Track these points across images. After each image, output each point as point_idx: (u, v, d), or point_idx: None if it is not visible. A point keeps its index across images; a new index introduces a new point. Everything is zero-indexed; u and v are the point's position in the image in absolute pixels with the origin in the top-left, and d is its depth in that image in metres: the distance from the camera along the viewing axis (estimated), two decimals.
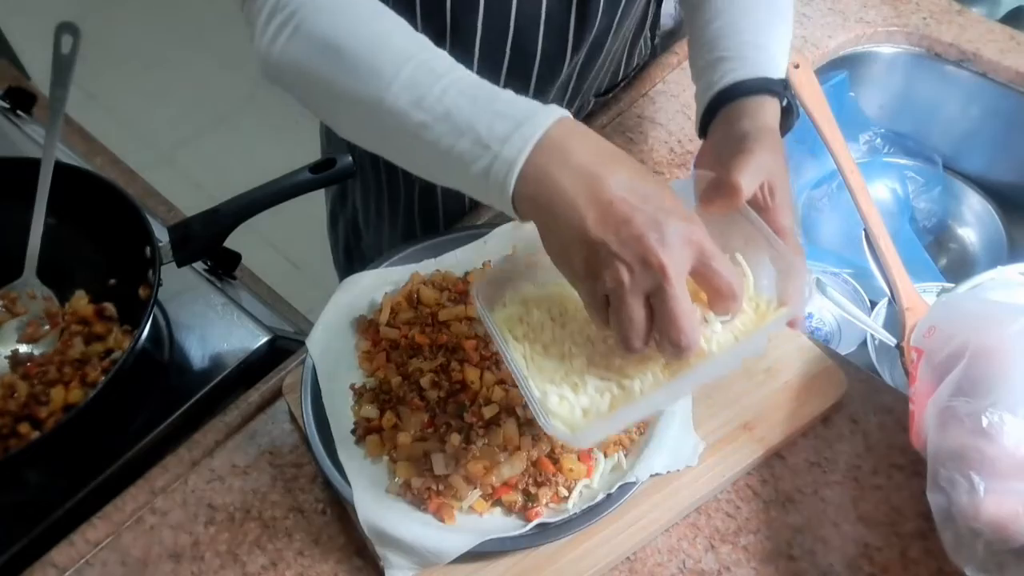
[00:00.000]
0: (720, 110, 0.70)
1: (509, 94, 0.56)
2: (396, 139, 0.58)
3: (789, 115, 0.72)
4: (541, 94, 0.87)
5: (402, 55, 0.57)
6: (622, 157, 0.54)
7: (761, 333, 0.60)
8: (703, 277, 0.55)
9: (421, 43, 0.60)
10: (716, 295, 0.56)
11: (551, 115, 0.54)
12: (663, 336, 0.54)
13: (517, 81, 0.85)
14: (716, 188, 0.62)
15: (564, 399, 0.59)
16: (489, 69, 0.82)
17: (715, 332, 0.59)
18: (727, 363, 0.60)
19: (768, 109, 0.68)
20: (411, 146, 0.57)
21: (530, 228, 0.58)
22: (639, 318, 0.53)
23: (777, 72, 0.70)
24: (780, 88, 0.70)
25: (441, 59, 0.58)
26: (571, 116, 0.55)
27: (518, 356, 0.61)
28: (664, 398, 0.64)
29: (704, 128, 0.72)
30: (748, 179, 0.62)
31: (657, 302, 0.53)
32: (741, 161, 0.62)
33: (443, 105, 0.55)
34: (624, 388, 0.60)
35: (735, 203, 0.62)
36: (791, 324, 0.62)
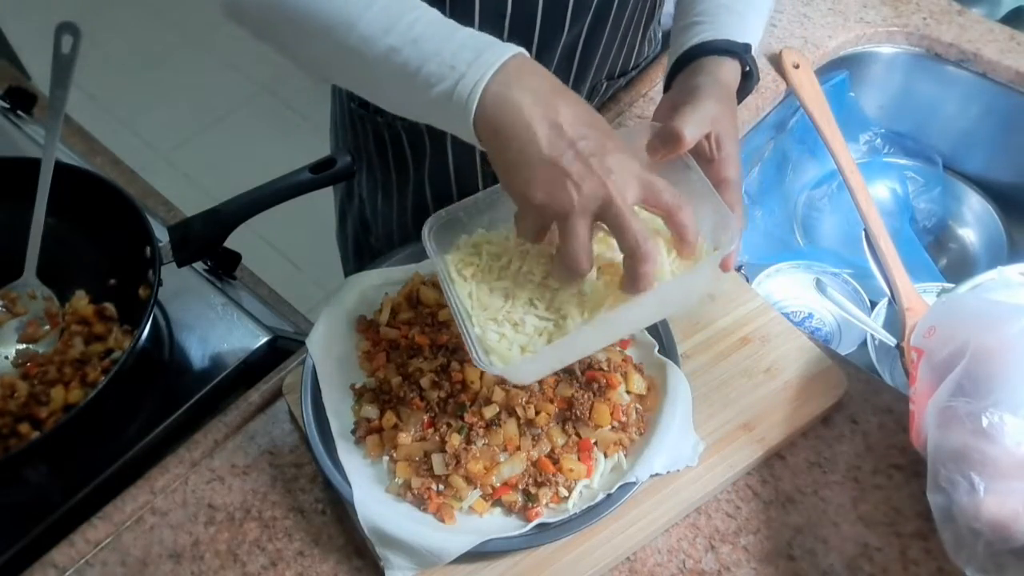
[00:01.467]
0: (683, 69, 0.73)
1: (472, 30, 0.59)
2: (364, 65, 0.61)
3: (749, 80, 0.74)
4: (545, 52, 0.87)
5: None
6: (572, 93, 0.58)
7: (693, 273, 0.63)
8: (656, 208, 0.58)
9: None
10: (672, 227, 0.59)
11: (512, 48, 0.58)
12: (623, 249, 0.57)
13: (519, 36, 0.85)
14: (661, 136, 0.65)
15: (503, 336, 0.63)
16: (492, 25, 0.83)
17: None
18: (659, 301, 0.64)
19: (726, 67, 0.71)
20: (378, 71, 0.60)
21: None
22: (584, 237, 0.57)
23: (744, 37, 0.73)
24: (742, 51, 0.72)
25: None
26: (528, 54, 0.59)
27: (464, 295, 0.65)
28: (597, 335, 0.66)
29: (668, 87, 0.75)
30: (691, 128, 0.64)
31: (609, 218, 0.56)
32: (687, 111, 0.65)
33: (413, 32, 0.58)
34: (560, 327, 0.63)
35: (678, 150, 0.64)
36: (723, 266, 0.65)
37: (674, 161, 0.66)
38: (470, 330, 0.63)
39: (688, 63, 0.73)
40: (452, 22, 0.60)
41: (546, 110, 0.56)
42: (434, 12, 0.61)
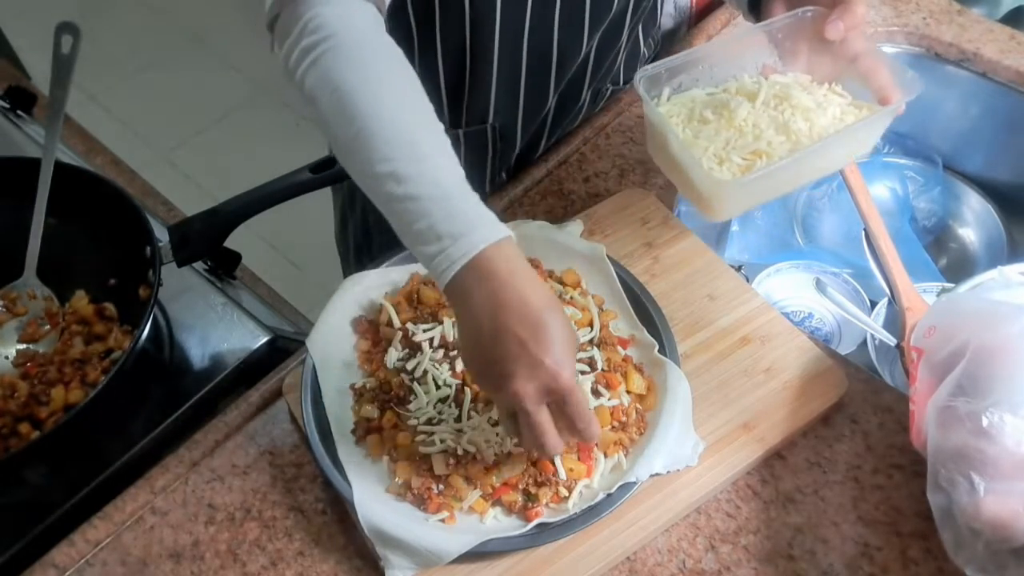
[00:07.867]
0: None
1: (471, 199, 0.62)
2: (372, 193, 0.64)
3: None
4: (561, 69, 0.93)
5: (396, 126, 0.62)
6: (532, 286, 0.61)
7: (870, 121, 0.77)
8: (559, 411, 0.63)
9: (420, 116, 0.64)
10: (569, 428, 0.63)
11: (491, 235, 0.60)
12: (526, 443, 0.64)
13: (539, 57, 0.89)
14: (844, 19, 0.75)
15: (711, 168, 0.73)
16: (511, 56, 0.87)
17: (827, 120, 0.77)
18: (843, 143, 0.77)
19: None
20: (382, 204, 0.64)
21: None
22: (546, 423, 0.62)
23: None
24: None
25: (427, 143, 0.63)
26: (511, 236, 0.62)
27: (678, 132, 0.76)
28: (797, 167, 0.76)
29: (754, 5, 0.85)
30: (863, 6, 0.75)
31: (521, 417, 0.62)
32: None
33: (415, 187, 0.61)
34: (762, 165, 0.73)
35: (859, 24, 0.75)
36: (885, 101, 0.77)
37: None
38: (693, 156, 0.73)
39: None
40: (456, 180, 0.62)
41: (496, 314, 0.60)
42: (444, 163, 0.62)
